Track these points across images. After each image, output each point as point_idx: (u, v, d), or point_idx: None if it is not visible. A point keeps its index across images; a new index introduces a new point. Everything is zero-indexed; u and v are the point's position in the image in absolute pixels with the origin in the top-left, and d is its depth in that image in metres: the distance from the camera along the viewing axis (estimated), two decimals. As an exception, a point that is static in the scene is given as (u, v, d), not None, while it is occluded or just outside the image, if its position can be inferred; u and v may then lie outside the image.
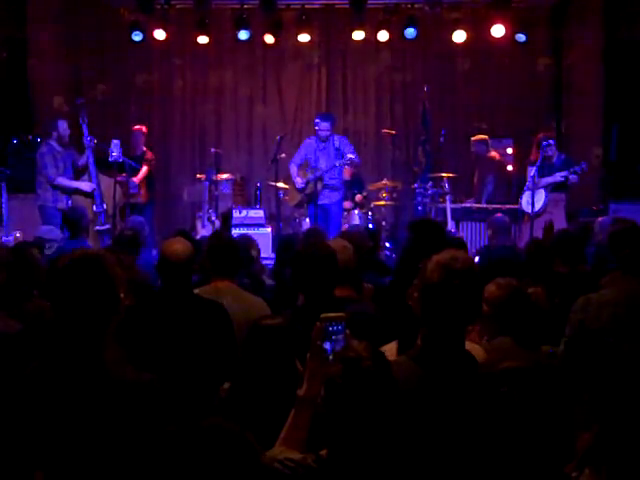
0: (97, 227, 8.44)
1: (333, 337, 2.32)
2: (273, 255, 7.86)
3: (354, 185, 10.28)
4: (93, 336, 2.25)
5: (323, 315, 2.35)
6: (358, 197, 10.24)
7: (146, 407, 2.24)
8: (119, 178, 8.70)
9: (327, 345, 2.31)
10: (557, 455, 2.21)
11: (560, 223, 8.22)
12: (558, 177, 8.39)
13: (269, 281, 5.67)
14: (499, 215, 7.56)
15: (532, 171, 8.38)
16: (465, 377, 2.28)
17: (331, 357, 2.30)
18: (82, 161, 8.67)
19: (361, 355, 2.14)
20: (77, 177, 8.71)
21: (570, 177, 8.36)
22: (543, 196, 8.42)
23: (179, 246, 3.91)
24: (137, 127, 9.96)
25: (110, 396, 2.20)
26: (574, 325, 3.41)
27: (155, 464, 1.98)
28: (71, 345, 2.24)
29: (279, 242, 6.15)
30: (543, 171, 8.41)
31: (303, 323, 2.64)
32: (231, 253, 4.38)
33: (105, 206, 8.53)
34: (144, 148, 9.86)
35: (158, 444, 1.87)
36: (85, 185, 8.57)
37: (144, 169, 9.62)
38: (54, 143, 8.51)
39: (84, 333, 2.24)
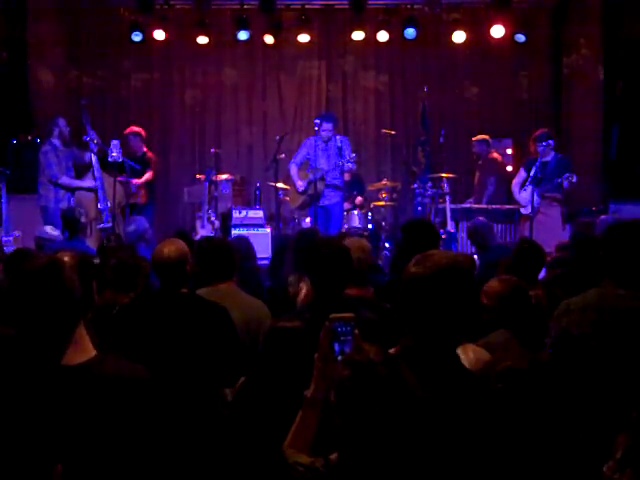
0: (100, 225, 8.45)
1: (342, 338, 2.30)
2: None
3: (354, 186, 10.27)
4: (57, 339, 2.25)
5: (332, 315, 2.33)
6: (358, 199, 10.21)
7: (137, 401, 2.22)
8: (119, 178, 8.71)
9: (335, 346, 2.30)
10: (564, 454, 2.20)
11: (556, 224, 8.21)
12: (554, 183, 8.34)
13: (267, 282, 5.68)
14: (480, 218, 7.47)
15: (532, 170, 8.36)
16: (447, 378, 2.26)
17: (339, 358, 2.28)
18: (87, 157, 8.68)
19: (373, 360, 2.11)
20: (82, 175, 8.73)
21: (564, 184, 8.29)
22: (528, 194, 8.35)
23: (169, 248, 3.89)
24: (129, 130, 9.81)
25: (98, 391, 2.20)
26: (557, 331, 3.40)
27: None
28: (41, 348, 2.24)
29: (275, 242, 6.12)
30: (538, 172, 8.37)
31: (313, 322, 2.61)
32: (226, 256, 4.38)
33: (109, 204, 8.53)
34: (145, 149, 9.81)
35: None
36: (88, 182, 8.59)
37: (148, 174, 9.58)
38: (56, 141, 8.52)
39: (47, 337, 2.23)
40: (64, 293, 2.24)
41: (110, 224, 8.48)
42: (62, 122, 8.59)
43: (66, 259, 3.23)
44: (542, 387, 2.13)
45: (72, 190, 8.52)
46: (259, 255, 6.01)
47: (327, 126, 9.07)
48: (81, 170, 8.79)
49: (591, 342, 3.20)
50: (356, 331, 2.31)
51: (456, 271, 2.32)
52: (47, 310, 2.21)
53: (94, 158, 8.56)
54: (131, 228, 7.05)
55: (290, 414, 2.44)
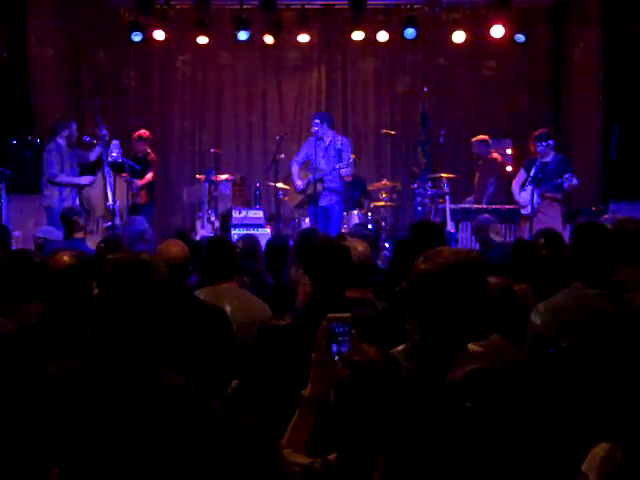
0: (106, 223, 8.47)
1: (339, 338, 2.31)
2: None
3: (355, 186, 10.24)
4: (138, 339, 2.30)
5: (329, 315, 2.34)
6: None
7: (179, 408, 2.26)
8: (119, 179, 8.72)
9: (333, 346, 2.31)
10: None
11: (556, 224, 8.21)
12: (555, 184, 8.34)
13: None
14: (485, 216, 7.46)
15: (532, 170, 8.36)
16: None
17: (337, 358, 2.29)
18: (92, 156, 8.74)
19: (373, 360, 2.11)
20: (92, 172, 8.82)
21: (565, 184, 8.28)
22: (528, 194, 8.35)
23: (173, 249, 3.90)
24: (137, 134, 9.97)
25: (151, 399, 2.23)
26: (530, 335, 3.40)
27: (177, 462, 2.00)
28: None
29: (268, 244, 6.06)
30: (538, 172, 8.36)
31: (311, 322, 2.61)
32: (230, 256, 4.38)
33: (117, 203, 8.56)
34: (148, 150, 9.90)
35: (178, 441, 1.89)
36: (84, 179, 8.63)
37: (149, 175, 9.66)
38: (62, 142, 8.57)
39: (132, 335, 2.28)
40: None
41: (111, 222, 8.50)
42: (74, 126, 8.73)
43: (65, 259, 3.23)
44: (515, 388, 2.11)
45: (69, 187, 8.55)
46: (260, 255, 5.98)
47: (315, 122, 9.17)
48: (93, 166, 8.85)
49: (561, 344, 3.20)
50: (354, 331, 2.31)
51: (465, 267, 2.33)
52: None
53: (104, 154, 8.63)
54: (131, 228, 7.04)
55: (284, 413, 2.44)
